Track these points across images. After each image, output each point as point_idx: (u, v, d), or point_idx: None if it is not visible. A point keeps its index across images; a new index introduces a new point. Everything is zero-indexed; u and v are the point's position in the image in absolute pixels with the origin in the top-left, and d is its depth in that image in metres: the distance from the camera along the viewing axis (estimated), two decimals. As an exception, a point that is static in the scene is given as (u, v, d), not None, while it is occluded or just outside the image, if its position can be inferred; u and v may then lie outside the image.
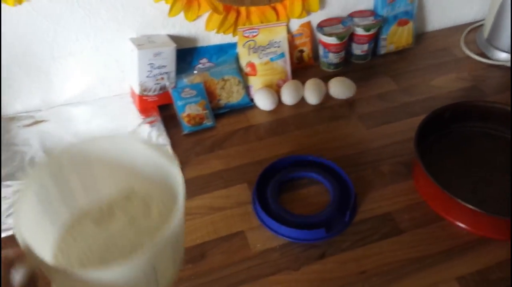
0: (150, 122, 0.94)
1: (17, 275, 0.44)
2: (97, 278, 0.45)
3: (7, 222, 0.76)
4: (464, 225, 0.75)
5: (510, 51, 1.08)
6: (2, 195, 0.81)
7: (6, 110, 0.97)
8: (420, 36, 1.19)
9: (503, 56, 1.09)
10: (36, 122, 0.95)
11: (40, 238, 0.51)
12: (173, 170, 0.53)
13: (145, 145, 0.56)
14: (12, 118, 0.95)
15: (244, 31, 0.99)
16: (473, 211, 0.71)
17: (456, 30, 1.21)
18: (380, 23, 1.07)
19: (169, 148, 0.89)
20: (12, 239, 0.74)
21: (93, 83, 0.99)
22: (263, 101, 0.98)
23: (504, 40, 1.08)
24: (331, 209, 0.78)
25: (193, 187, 0.84)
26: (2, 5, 0.84)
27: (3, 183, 0.83)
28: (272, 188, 0.81)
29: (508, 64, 1.08)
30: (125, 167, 0.59)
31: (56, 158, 0.55)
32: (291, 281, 0.70)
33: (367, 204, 0.80)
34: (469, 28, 1.20)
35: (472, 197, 0.78)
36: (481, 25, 1.18)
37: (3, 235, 0.75)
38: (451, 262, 0.71)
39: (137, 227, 0.59)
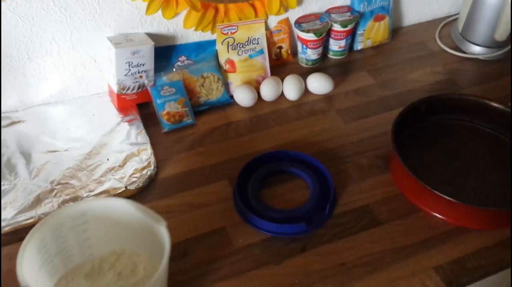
0: (129, 121, 0.94)
1: None
2: None
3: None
4: (441, 215, 0.77)
5: (483, 44, 1.10)
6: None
7: (-17, 112, 0.95)
8: (396, 31, 1.21)
9: (476, 49, 1.11)
10: (13, 123, 0.94)
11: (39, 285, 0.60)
12: (161, 229, 0.60)
13: (136, 207, 0.63)
14: (-11, 120, 0.94)
15: (222, 28, 0.99)
16: (450, 202, 0.73)
17: (431, 24, 1.23)
18: (356, 18, 1.08)
19: (149, 146, 0.89)
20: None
21: (71, 83, 0.98)
22: (243, 98, 0.98)
23: (477, 34, 1.11)
24: (311, 203, 0.79)
25: (173, 185, 0.84)
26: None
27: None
28: (253, 183, 0.82)
29: (481, 57, 1.10)
30: (117, 228, 0.67)
31: (58, 217, 0.62)
32: (274, 275, 0.70)
33: (346, 197, 0.81)
34: (443, 23, 1.22)
35: (449, 188, 0.80)
36: (456, 19, 1.20)
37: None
38: (429, 252, 0.73)
39: (124, 282, 0.67)
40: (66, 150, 0.88)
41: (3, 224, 0.75)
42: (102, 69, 0.98)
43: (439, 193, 0.73)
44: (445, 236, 0.75)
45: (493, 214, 0.75)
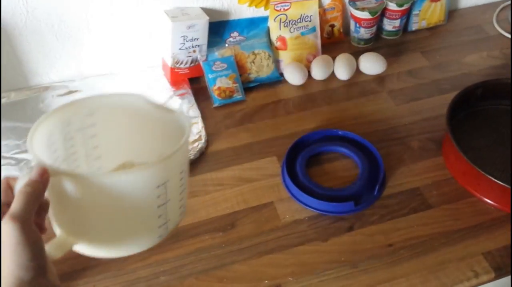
0: (181, 95, 0.96)
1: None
2: (114, 182, 0.45)
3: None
4: (493, 201, 0.76)
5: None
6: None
7: (42, 80, 0.99)
8: (452, 13, 1.17)
9: (537, 34, 1.07)
10: (70, 92, 0.97)
11: None
12: (178, 115, 0.53)
13: (149, 102, 0.55)
14: (47, 88, 0.98)
15: (276, 4, 0.99)
16: (502, 188, 0.72)
17: (488, 7, 1.19)
18: (413, -2, 1.06)
19: (200, 120, 0.90)
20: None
21: (126, 55, 1.00)
22: (293, 76, 0.98)
23: (539, 18, 1.06)
24: (360, 183, 0.78)
25: (223, 158, 0.85)
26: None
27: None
28: (301, 161, 0.82)
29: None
30: (128, 134, 0.58)
31: (65, 111, 0.53)
32: (320, 251, 0.71)
33: (396, 179, 0.80)
34: (501, 6, 1.18)
35: (501, 174, 0.78)
36: (516, 2, 1.16)
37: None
38: (479, 238, 0.72)
39: None
40: (120, 120, 0.90)
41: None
42: (157, 43, 0.99)
43: (492, 178, 0.72)
44: (495, 222, 0.74)
45: (548, 203, 0.73)
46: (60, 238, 0.48)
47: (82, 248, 0.49)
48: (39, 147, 0.48)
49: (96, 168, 0.59)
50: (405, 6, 1.04)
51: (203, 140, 0.86)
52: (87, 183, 0.45)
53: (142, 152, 0.58)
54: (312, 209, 0.76)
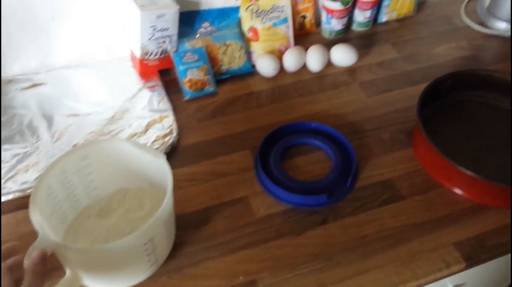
0: (151, 87, 0.94)
1: (34, 252, 0.52)
2: (107, 251, 0.56)
3: (6, 186, 0.76)
4: (463, 192, 0.77)
5: (509, 21, 1.08)
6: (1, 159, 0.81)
7: (4, 73, 0.95)
8: (421, 4, 1.18)
9: (502, 26, 1.09)
10: (35, 85, 0.94)
11: (51, 233, 0.60)
12: (161, 162, 0.63)
13: (134, 145, 0.66)
14: (10, 81, 0.94)
15: (246, -5, 0.97)
16: (472, 178, 0.73)
17: (456, -1, 1.20)
18: (384, -12, 1.06)
19: (171, 113, 0.88)
20: (12, 203, 0.75)
21: (93, 46, 0.97)
22: (265, 68, 0.97)
23: (504, 10, 1.08)
24: (333, 175, 0.79)
25: (195, 153, 0.84)
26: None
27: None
28: (275, 154, 0.82)
29: (507, 34, 1.08)
30: (119, 168, 0.69)
31: (60, 164, 0.63)
32: (294, 245, 0.71)
33: (368, 171, 0.81)
34: (469, -3, 1.20)
35: (471, 164, 0.79)
36: (482, -6, 1.17)
37: (2, 199, 0.75)
38: (449, 228, 0.73)
39: (133, 216, 0.71)
40: (89, 114, 0.88)
41: (25, 186, 0.76)
42: (125, 33, 0.96)
43: (461, 168, 0.73)
44: (466, 212, 0.75)
45: (515, 193, 0.75)
46: (69, 277, 0.57)
47: (90, 284, 0.60)
48: (40, 202, 0.58)
49: (95, 196, 0.71)
50: (377, -3, 1.05)
51: (174, 134, 0.84)
52: (83, 251, 0.58)
53: (133, 179, 0.71)
54: (286, 203, 0.76)
